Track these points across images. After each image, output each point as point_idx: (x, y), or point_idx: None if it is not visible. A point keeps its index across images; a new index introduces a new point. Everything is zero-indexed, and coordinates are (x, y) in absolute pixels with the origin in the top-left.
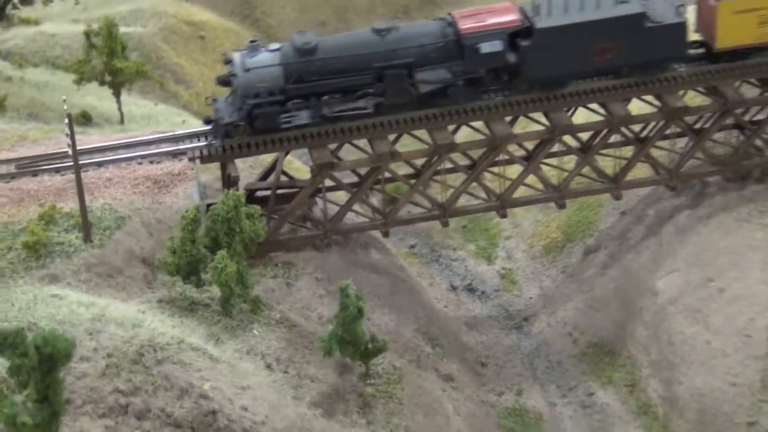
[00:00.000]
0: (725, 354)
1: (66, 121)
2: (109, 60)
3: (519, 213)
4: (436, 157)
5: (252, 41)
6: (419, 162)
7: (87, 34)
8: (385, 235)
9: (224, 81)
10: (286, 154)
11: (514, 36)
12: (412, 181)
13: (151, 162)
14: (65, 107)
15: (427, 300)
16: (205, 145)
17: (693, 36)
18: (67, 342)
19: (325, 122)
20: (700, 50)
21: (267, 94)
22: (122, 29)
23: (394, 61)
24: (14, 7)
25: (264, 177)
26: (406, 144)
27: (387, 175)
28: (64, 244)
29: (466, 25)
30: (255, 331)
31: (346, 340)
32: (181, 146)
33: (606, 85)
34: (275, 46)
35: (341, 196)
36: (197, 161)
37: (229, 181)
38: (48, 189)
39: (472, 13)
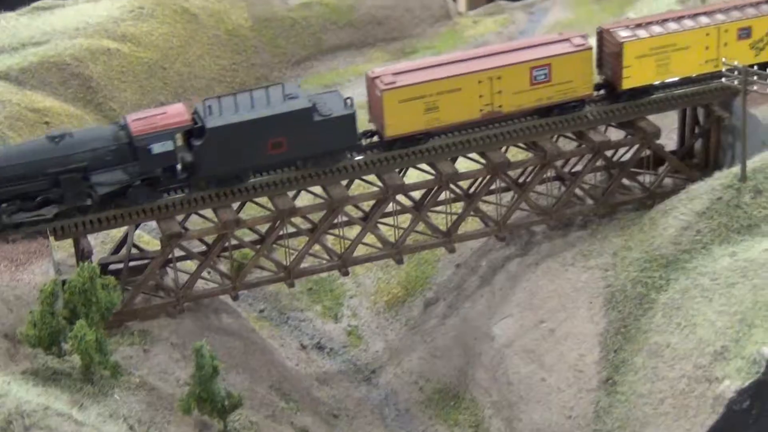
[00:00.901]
0: (560, 389)
1: None
2: None
3: (361, 272)
4: (278, 222)
5: None
6: (263, 228)
7: None
8: (235, 298)
9: None
10: (137, 227)
11: (189, 135)
12: (258, 247)
13: (8, 242)
14: None
15: (279, 359)
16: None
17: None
18: None
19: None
20: (374, 139)
21: None
22: None
23: (68, 166)
24: None
25: (116, 251)
26: (251, 211)
27: (234, 241)
28: None
29: (137, 127)
30: (116, 396)
31: (204, 398)
32: None
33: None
34: None
35: (191, 265)
36: (50, 238)
37: (83, 255)
38: None
39: (145, 115)
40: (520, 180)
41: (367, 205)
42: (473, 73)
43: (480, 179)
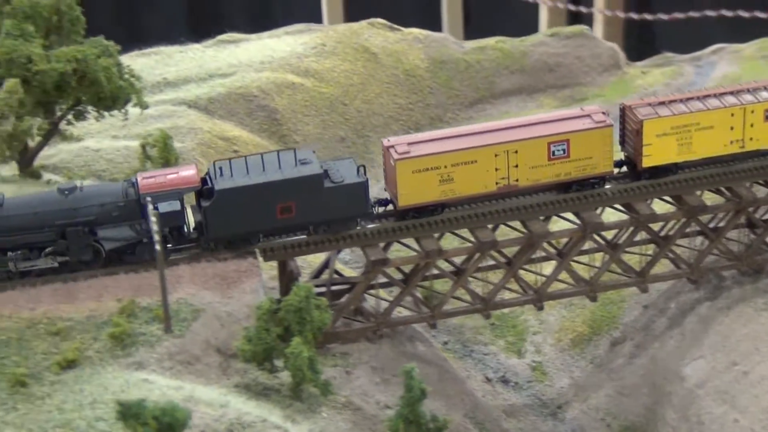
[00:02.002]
0: (753, 431)
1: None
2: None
3: (545, 310)
4: (478, 254)
5: None
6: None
7: (143, 146)
8: (433, 326)
9: None
10: (338, 253)
11: (199, 196)
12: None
13: (219, 260)
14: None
15: (470, 388)
16: None
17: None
18: (184, 412)
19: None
20: (388, 207)
21: None
22: None
23: (75, 219)
24: (68, 123)
25: (317, 275)
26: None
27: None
28: (146, 335)
29: (146, 185)
30: (324, 414)
31: (411, 420)
32: None
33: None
34: None
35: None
36: (260, 259)
37: (291, 277)
38: (125, 286)
39: (155, 174)
40: (711, 225)
41: (558, 242)
42: (489, 146)
43: (674, 222)
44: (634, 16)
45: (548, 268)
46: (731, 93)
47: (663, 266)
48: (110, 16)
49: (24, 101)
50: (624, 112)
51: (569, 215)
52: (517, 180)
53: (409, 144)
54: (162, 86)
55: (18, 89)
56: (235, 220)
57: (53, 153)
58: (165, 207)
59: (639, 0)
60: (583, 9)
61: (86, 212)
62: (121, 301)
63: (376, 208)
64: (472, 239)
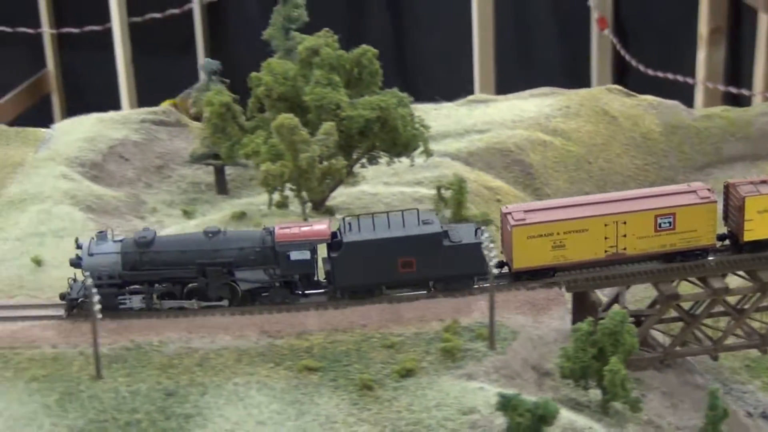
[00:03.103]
0: None
1: None
2: (458, 210)
3: None
4: (758, 294)
5: (100, 232)
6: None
7: (438, 188)
8: (715, 359)
9: (74, 263)
10: (628, 288)
11: (330, 248)
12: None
13: (528, 289)
14: None
15: (739, 419)
16: None
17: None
18: (555, 406)
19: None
20: (503, 269)
21: (107, 277)
22: (427, 191)
23: (216, 260)
24: (362, 166)
25: (606, 308)
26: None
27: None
28: (472, 350)
29: (281, 234)
30: (630, 429)
31: None
32: None
33: None
34: (119, 237)
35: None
36: (563, 288)
37: (593, 307)
38: (444, 308)
39: (292, 226)
40: None
41: None
42: (600, 216)
43: None
44: None
45: None
46: None
47: None
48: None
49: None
50: (728, 189)
51: None
52: (625, 248)
53: (526, 212)
54: None
55: (334, 132)
56: (359, 271)
57: (335, 195)
58: (296, 255)
59: None
60: (744, 92)
61: (226, 254)
62: (443, 321)
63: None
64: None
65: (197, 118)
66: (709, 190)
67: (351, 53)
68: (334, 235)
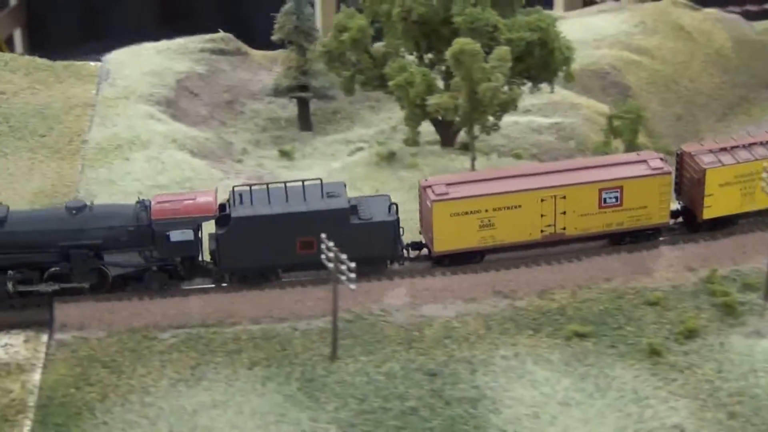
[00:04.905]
0: None
1: None
2: (633, 139)
3: None
4: None
5: None
6: None
7: (610, 117)
8: None
9: None
10: None
11: (216, 224)
12: None
13: None
14: None
15: None
16: None
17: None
18: None
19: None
20: (421, 251)
21: None
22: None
23: (80, 241)
24: None
25: None
26: None
27: None
28: (747, 304)
29: (158, 210)
30: None
31: None
32: None
33: None
34: None
35: None
36: None
37: None
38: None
39: (171, 198)
40: None
41: None
42: (535, 190)
43: None
44: None
45: None
46: None
47: None
48: None
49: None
50: (683, 158)
51: None
52: (564, 228)
53: (448, 185)
54: None
55: (508, 57)
56: (250, 251)
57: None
58: (177, 236)
59: None
60: None
61: (93, 234)
62: (694, 270)
63: (408, 252)
64: None
65: (281, 44)
66: (661, 159)
67: None
68: (222, 207)
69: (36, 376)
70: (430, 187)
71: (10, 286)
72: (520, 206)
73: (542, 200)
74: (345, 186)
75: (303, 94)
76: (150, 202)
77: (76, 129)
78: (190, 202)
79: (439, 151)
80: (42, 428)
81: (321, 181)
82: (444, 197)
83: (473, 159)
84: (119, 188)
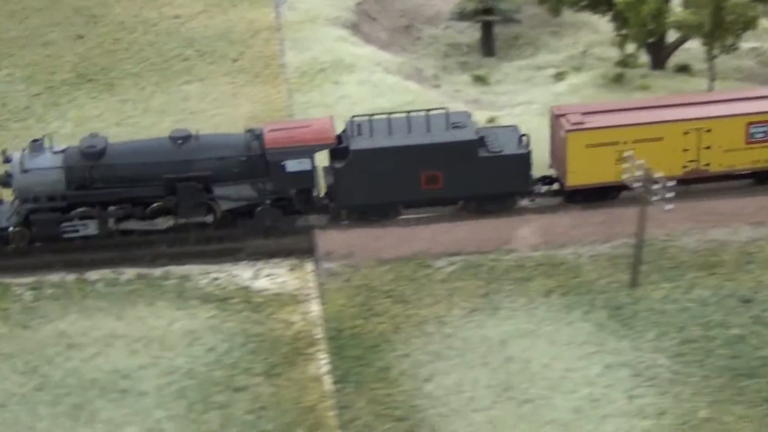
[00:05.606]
0: None
1: None
2: None
3: None
4: None
5: (35, 140)
6: None
7: None
8: None
9: (3, 182)
10: None
11: (333, 156)
12: None
13: None
14: None
15: None
16: None
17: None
18: None
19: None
20: (553, 186)
21: (46, 199)
22: None
23: (188, 173)
24: None
25: None
26: None
27: None
28: None
29: (272, 139)
30: None
31: None
32: None
33: None
34: (60, 147)
35: None
36: None
37: None
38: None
39: (285, 126)
40: None
41: None
42: (678, 122)
43: None
44: None
45: None
46: None
47: None
48: None
49: None
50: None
51: None
52: (708, 164)
53: (584, 114)
54: None
55: None
56: (370, 187)
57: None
58: (293, 166)
59: None
60: None
61: (201, 166)
62: None
63: (540, 187)
64: None
65: None
66: None
67: None
68: (338, 139)
69: (314, 307)
70: (564, 115)
71: (111, 222)
72: (661, 138)
73: (686, 133)
74: (470, 116)
75: (489, 17)
76: (261, 131)
77: (268, 53)
78: (306, 129)
79: (659, 73)
80: (341, 362)
81: (447, 110)
82: (580, 127)
83: (712, 80)
84: (334, 112)
